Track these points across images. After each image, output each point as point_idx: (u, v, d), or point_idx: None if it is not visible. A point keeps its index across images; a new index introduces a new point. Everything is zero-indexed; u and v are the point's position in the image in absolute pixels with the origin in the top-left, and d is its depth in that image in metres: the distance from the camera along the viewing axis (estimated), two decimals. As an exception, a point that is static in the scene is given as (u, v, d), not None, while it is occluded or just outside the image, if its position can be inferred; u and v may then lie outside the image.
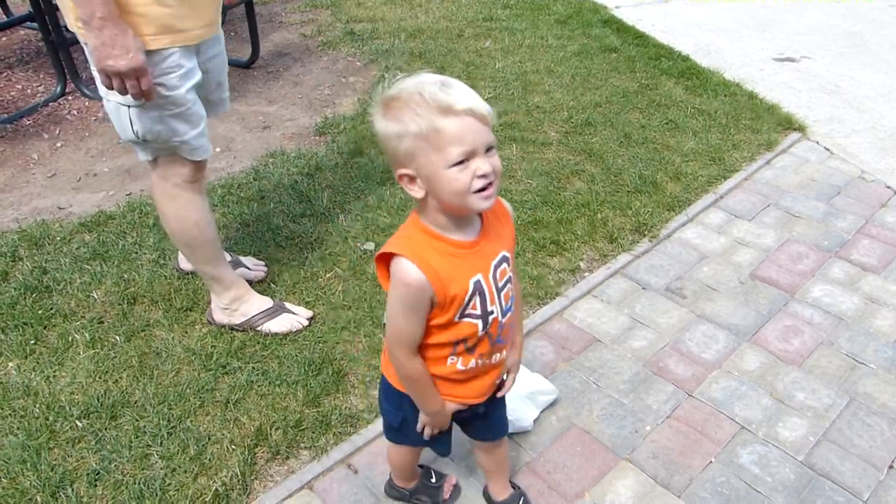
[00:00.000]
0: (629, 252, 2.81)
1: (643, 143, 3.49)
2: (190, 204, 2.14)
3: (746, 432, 2.11)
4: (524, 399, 2.09)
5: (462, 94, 1.17)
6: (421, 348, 1.40)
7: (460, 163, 1.18)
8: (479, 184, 1.20)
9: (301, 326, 2.37)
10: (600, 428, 2.11)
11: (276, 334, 2.34)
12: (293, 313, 2.39)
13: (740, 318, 2.52)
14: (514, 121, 3.71)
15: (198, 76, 1.96)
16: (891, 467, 2.01)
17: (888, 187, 3.23)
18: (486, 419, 1.63)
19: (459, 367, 1.43)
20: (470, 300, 1.32)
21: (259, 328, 2.34)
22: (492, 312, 1.37)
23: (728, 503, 1.91)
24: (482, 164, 1.19)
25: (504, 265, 1.38)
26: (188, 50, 1.90)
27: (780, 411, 2.18)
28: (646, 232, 2.91)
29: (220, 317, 2.36)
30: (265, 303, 2.38)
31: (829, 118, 3.77)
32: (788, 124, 3.68)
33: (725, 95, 3.94)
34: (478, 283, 1.33)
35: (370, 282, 2.61)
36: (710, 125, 3.65)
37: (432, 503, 1.90)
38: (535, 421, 2.10)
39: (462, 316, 1.34)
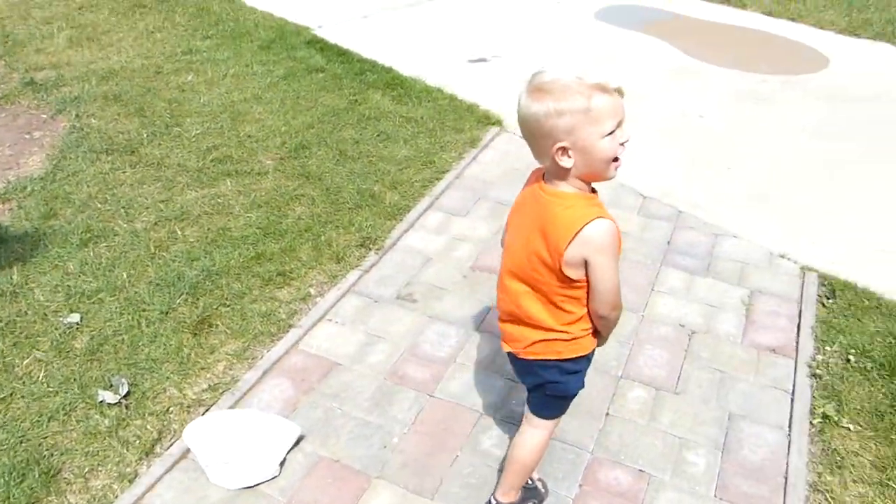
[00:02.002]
0: (358, 268, 2.83)
1: (359, 158, 3.55)
2: None
3: (485, 418, 2.22)
4: (265, 446, 2.01)
5: (609, 78, 1.40)
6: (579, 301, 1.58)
7: (611, 133, 1.40)
8: (622, 151, 1.43)
9: None
10: (349, 452, 2.09)
11: None
12: None
13: (468, 310, 2.65)
14: (227, 154, 3.57)
15: None
16: (607, 414, 2.24)
17: (576, 164, 3.62)
18: None
19: None
20: None
21: None
22: None
23: (478, 491, 1.99)
24: (624, 133, 1.42)
25: None
26: None
27: (513, 389, 2.32)
28: (371, 245, 2.95)
29: None
30: None
31: (521, 109, 4.13)
32: (487, 120, 3.97)
33: (429, 101, 4.14)
34: None
35: (80, 358, 2.34)
36: (419, 131, 3.82)
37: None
38: (280, 465, 2.02)
39: None
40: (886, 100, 4.30)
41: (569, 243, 1.45)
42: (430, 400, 2.28)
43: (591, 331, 1.64)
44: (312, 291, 2.71)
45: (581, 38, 5.24)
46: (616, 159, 1.44)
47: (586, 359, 1.69)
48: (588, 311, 1.60)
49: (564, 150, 1.41)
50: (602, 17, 5.63)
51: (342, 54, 4.75)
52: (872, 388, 2.29)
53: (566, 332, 1.61)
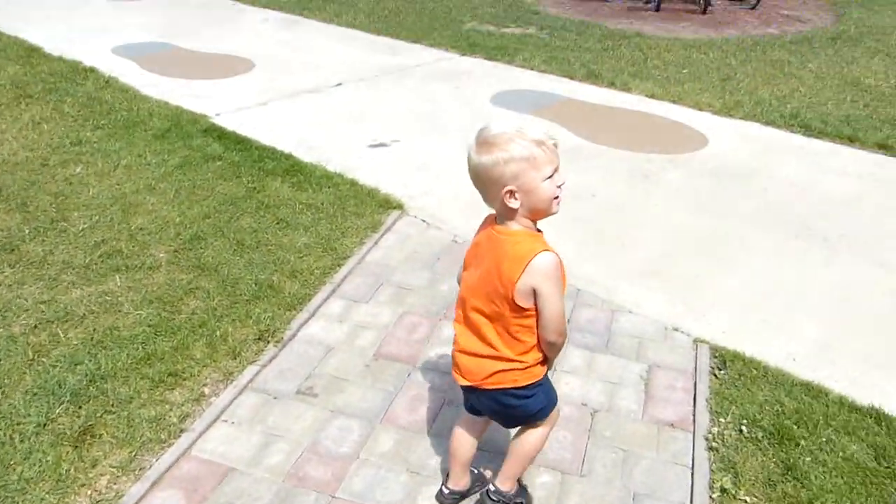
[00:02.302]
0: (255, 363, 2.73)
1: (257, 248, 3.49)
2: None
3: (391, 516, 2.14)
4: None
5: (548, 131, 1.70)
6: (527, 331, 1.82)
7: (550, 177, 1.68)
8: (559, 192, 1.72)
9: None
10: (244, 568, 1.96)
11: None
12: None
13: (370, 401, 2.59)
14: (116, 249, 3.43)
15: None
16: None
17: (476, 246, 3.67)
18: None
19: None
20: None
21: None
22: None
23: None
24: (560, 177, 1.71)
25: None
26: None
27: (418, 483, 2.26)
28: (269, 338, 2.86)
29: None
30: None
31: (421, 192, 4.20)
32: (388, 204, 4.00)
33: (329, 187, 4.15)
34: None
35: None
36: (319, 217, 3.80)
37: None
38: (168, 589, 1.86)
39: None
40: (760, 176, 4.64)
41: (520, 274, 1.70)
42: (333, 501, 2.18)
43: (541, 359, 1.87)
44: (206, 391, 2.58)
45: (478, 123, 5.37)
46: (556, 197, 1.71)
47: (538, 384, 1.91)
48: (538, 340, 1.82)
49: (512, 192, 1.68)
50: (497, 101, 5.87)
51: (240, 142, 4.72)
52: (764, 458, 2.36)
53: (521, 362, 1.83)
